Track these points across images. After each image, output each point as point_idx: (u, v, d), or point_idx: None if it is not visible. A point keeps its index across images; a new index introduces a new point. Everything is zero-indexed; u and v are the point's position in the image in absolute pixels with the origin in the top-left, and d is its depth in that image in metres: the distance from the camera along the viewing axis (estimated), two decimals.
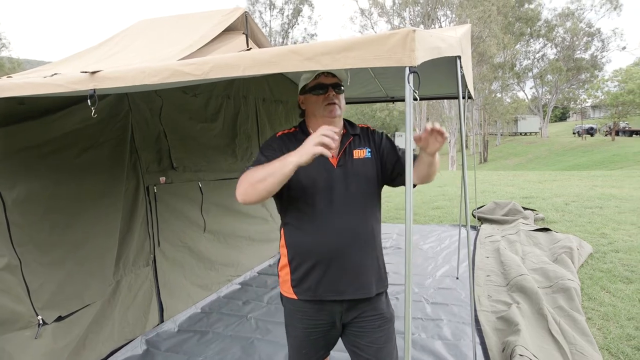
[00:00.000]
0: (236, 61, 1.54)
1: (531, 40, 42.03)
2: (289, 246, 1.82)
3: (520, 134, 50.05)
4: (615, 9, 40.25)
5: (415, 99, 1.42)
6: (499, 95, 39.63)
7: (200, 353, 3.30)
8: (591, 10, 55.02)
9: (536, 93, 46.88)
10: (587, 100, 46.87)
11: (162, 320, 3.72)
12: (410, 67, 1.36)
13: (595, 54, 42.46)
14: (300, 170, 1.58)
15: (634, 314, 3.68)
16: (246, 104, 5.11)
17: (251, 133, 5.24)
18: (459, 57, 2.46)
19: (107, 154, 3.28)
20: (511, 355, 2.78)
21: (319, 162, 1.69)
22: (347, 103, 7.97)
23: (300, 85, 1.86)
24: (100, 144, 3.22)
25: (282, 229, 1.87)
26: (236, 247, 4.82)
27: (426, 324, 3.61)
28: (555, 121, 62.29)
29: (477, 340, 3.22)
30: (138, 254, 3.55)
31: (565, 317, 3.41)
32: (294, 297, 1.82)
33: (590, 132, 41.59)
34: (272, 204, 5.61)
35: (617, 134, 36.47)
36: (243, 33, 3.84)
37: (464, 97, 4.38)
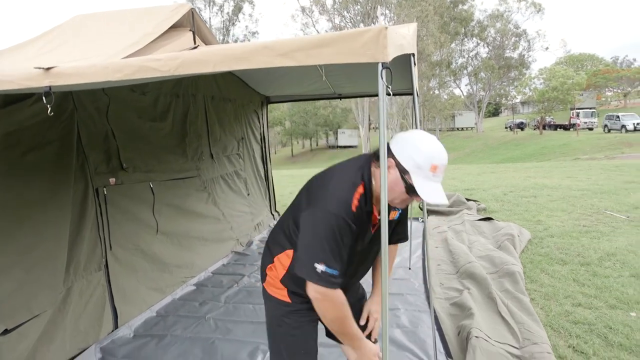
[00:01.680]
0: (206, 57, 1.52)
1: (465, 40, 44.11)
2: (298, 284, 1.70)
3: (458, 129, 52.33)
4: (538, 11, 43.12)
5: (388, 94, 1.47)
6: (437, 92, 41.21)
7: (160, 357, 3.21)
8: (518, 12, 58.48)
9: (471, 90, 49.17)
10: (516, 96, 49.88)
11: (116, 327, 3.57)
12: (383, 63, 1.41)
13: (522, 53, 45.30)
14: (352, 243, 1.60)
15: (569, 292, 3.99)
16: (195, 103, 5.01)
17: (201, 132, 5.15)
18: (413, 54, 2.56)
19: (53, 155, 3.11)
20: (467, 338, 2.94)
21: (366, 231, 1.66)
22: (294, 100, 8.07)
23: (412, 169, 1.52)
24: (45, 144, 3.06)
25: (292, 249, 1.72)
26: (190, 247, 4.72)
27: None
28: (489, 116, 65.70)
29: (435, 326, 3.37)
30: (89, 258, 3.39)
31: (512, 299, 3.63)
32: (288, 301, 1.78)
33: (521, 126, 44.30)
34: (223, 203, 5.57)
35: (544, 127, 39.02)
36: (190, 30, 3.76)
37: (411, 94, 4.53)
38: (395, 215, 1.82)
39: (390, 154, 1.54)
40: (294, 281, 1.71)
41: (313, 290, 1.53)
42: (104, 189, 3.59)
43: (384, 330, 1.58)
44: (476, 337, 2.86)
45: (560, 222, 6.51)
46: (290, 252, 1.71)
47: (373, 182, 1.60)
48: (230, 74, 5.79)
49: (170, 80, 4.44)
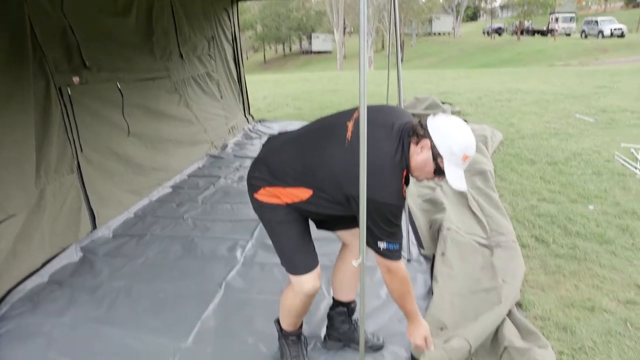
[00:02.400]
0: None
1: None
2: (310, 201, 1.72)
3: (435, 34, 50.83)
4: None
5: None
6: None
7: (141, 254, 3.28)
8: None
9: None
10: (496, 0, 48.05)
11: (94, 228, 3.59)
12: None
13: None
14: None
15: (536, 188, 4.18)
16: None
17: (168, 30, 4.84)
18: None
19: (4, 51, 2.86)
20: (438, 230, 3.09)
21: None
22: None
23: (446, 155, 1.56)
24: None
25: (312, 193, 1.70)
26: (163, 150, 4.64)
27: None
28: (467, 21, 63.71)
29: (408, 222, 3.51)
30: (59, 160, 3.30)
31: (482, 196, 3.78)
32: (284, 203, 1.76)
33: (499, 31, 43.32)
34: (196, 105, 5.41)
35: (522, 33, 38.32)
36: None
37: None
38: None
39: (427, 134, 1.58)
40: (306, 210, 1.76)
41: (380, 263, 1.69)
42: (68, 88, 3.39)
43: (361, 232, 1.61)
44: (447, 229, 3.00)
45: (531, 125, 6.65)
46: (309, 191, 1.69)
47: (410, 160, 1.63)
48: None
49: None
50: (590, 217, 3.54)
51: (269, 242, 1.89)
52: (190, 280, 2.88)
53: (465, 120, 1.69)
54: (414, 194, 4.03)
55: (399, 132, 1.63)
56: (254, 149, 5.99)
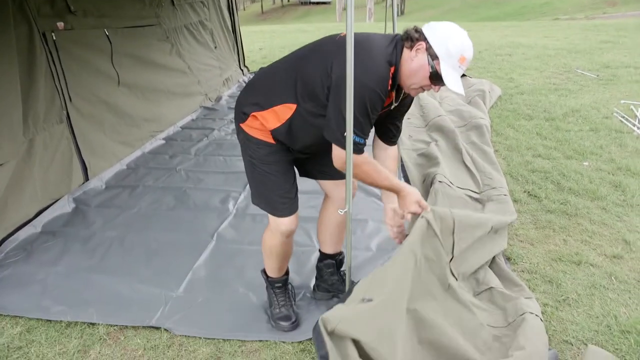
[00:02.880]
0: None
1: None
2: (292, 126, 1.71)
3: None
4: None
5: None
6: None
7: (134, 205, 3.28)
8: None
9: None
10: None
11: (87, 179, 3.58)
12: None
13: None
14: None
15: (532, 144, 4.15)
16: None
17: None
18: None
19: None
20: (431, 183, 3.08)
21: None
22: None
23: (443, 56, 1.51)
24: None
25: (295, 105, 1.66)
26: (156, 101, 4.55)
27: None
28: None
29: (401, 174, 3.50)
30: (48, 110, 3.23)
31: (477, 150, 3.76)
32: (272, 142, 1.76)
33: None
34: (188, 55, 5.26)
35: None
36: None
37: None
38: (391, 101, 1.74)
39: (422, 37, 1.54)
40: (289, 135, 1.71)
41: (340, 157, 1.60)
42: (52, 34, 3.27)
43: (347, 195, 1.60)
44: (440, 182, 2.99)
45: (531, 80, 6.53)
46: (293, 106, 1.65)
47: (402, 65, 1.57)
48: None
49: None
50: (584, 174, 3.54)
51: None
52: (183, 231, 2.90)
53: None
54: (409, 147, 4.00)
55: (394, 37, 1.61)
56: None
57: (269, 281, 2.09)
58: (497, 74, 7.00)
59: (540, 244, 2.68)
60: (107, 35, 3.82)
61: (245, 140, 1.80)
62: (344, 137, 1.52)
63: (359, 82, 1.47)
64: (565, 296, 2.22)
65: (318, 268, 2.24)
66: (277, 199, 1.83)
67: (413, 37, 1.54)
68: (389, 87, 1.55)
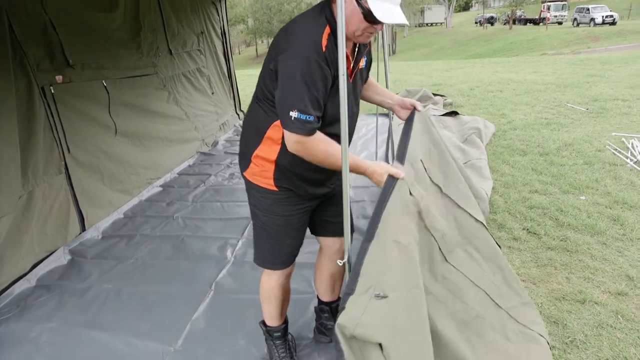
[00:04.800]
0: None
1: None
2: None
3: (427, 24, 50.69)
4: None
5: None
6: None
7: (131, 255, 3.24)
8: None
9: None
10: None
11: (83, 229, 3.55)
12: None
13: None
14: (332, 90, 1.52)
15: (528, 180, 4.17)
16: None
17: (156, 25, 4.76)
18: None
19: None
20: None
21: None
22: None
23: None
24: None
25: (277, 122, 1.60)
26: (153, 148, 4.59)
27: (352, 206, 3.81)
28: (459, 11, 63.55)
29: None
30: (47, 161, 3.25)
31: (473, 189, 3.76)
32: (275, 189, 1.72)
33: (491, 21, 43.26)
34: (186, 102, 5.34)
35: (514, 22, 38.26)
36: None
37: None
38: (363, 63, 1.73)
39: None
40: (293, 157, 1.60)
41: (290, 140, 1.49)
42: (51, 87, 3.33)
43: (345, 225, 1.57)
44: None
45: (523, 115, 6.63)
46: (278, 122, 1.57)
47: (337, 19, 1.50)
48: None
49: None
50: (581, 208, 3.54)
51: None
52: (181, 281, 2.85)
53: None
54: None
55: (322, 7, 1.56)
56: None
57: (268, 331, 2.05)
58: (489, 110, 7.12)
59: (543, 283, 2.64)
60: (104, 86, 3.89)
61: (249, 188, 1.79)
62: (290, 119, 1.43)
63: (293, 54, 1.43)
64: (572, 337, 2.17)
65: (316, 310, 2.24)
66: (269, 254, 1.82)
67: None
68: (326, 48, 1.46)
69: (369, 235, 1.40)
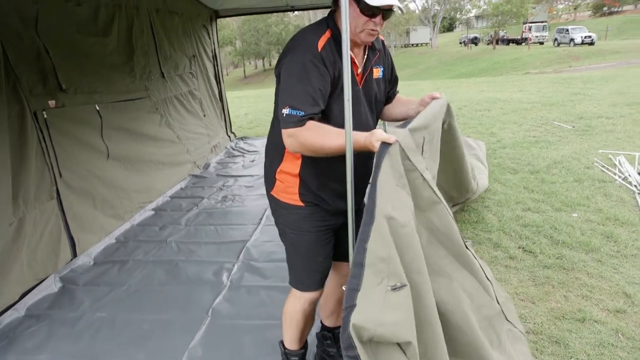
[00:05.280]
0: None
1: None
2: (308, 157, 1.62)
3: (412, 45, 51.62)
4: None
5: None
6: None
7: (124, 282, 3.18)
8: None
9: (426, 4, 47.97)
10: (471, 10, 49.23)
11: (75, 255, 3.48)
12: None
13: None
14: (336, 94, 1.53)
15: (520, 198, 4.21)
16: (139, 16, 4.59)
17: (148, 49, 4.77)
18: None
19: None
20: None
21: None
22: (244, 14, 7.53)
23: None
24: None
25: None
26: (145, 172, 4.55)
27: None
28: (444, 32, 64.90)
29: None
30: (39, 187, 3.20)
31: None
32: (301, 204, 1.72)
33: (475, 41, 44.20)
34: (178, 125, 5.33)
35: (497, 42, 39.15)
36: None
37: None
38: (379, 73, 1.74)
39: None
40: (315, 164, 1.63)
41: (284, 137, 1.50)
42: (44, 112, 3.30)
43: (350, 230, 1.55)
44: None
45: (512, 134, 6.73)
46: None
47: (339, 22, 1.58)
48: None
49: None
50: (575, 226, 3.57)
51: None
52: (176, 308, 2.80)
53: None
54: None
55: (324, 18, 1.63)
56: (237, 167, 5.93)
57: (286, 354, 2.02)
58: (478, 129, 7.22)
59: (542, 302, 2.64)
60: (97, 110, 3.87)
61: (276, 207, 1.79)
62: (282, 116, 1.48)
63: (290, 59, 1.51)
64: (575, 357, 2.16)
65: (317, 336, 2.20)
66: (304, 272, 1.81)
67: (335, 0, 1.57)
68: (322, 48, 1.50)
69: (369, 217, 1.25)
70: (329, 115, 1.56)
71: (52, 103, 3.41)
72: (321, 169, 1.62)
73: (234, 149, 6.83)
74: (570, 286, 2.78)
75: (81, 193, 3.66)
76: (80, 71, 3.72)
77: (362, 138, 1.45)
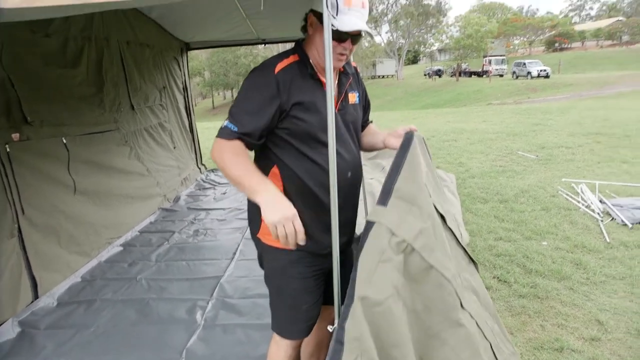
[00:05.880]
0: None
1: None
2: (292, 192, 1.58)
3: (379, 76, 53.05)
4: None
5: (333, 27, 1.37)
6: None
7: (91, 323, 3.01)
8: None
9: (391, 37, 49.70)
10: (434, 44, 51.28)
11: (36, 297, 3.29)
12: None
13: (440, 1, 46.16)
14: (307, 118, 1.52)
15: (492, 227, 4.29)
16: (109, 48, 4.53)
17: (118, 80, 4.70)
18: None
19: None
20: None
21: (323, 105, 1.51)
22: (215, 47, 7.57)
23: (324, 7, 1.46)
24: None
25: (275, 165, 1.60)
26: (113, 206, 4.40)
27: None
28: (409, 64, 67.15)
29: None
30: None
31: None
32: (287, 248, 1.62)
33: (439, 73, 45.86)
34: (148, 157, 5.23)
35: (460, 74, 40.75)
36: None
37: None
38: (355, 98, 1.73)
39: (310, 10, 1.55)
40: (298, 195, 1.58)
41: (214, 143, 1.50)
42: (7, 145, 3.17)
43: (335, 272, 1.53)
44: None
45: (479, 164, 6.92)
46: (275, 169, 1.59)
47: (308, 52, 1.58)
48: (145, 18, 5.28)
49: (79, 21, 3.95)
50: (545, 254, 3.65)
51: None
52: (148, 350, 2.66)
53: None
54: None
55: (292, 47, 1.64)
56: (208, 200, 5.83)
57: None
58: (447, 159, 7.39)
59: (520, 332, 2.66)
60: (64, 144, 3.75)
61: (262, 251, 1.72)
62: (222, 127, 1.49)
63: (245, 80, 1.53)
64: None
65: None
66: (288, 320, 1.71)
67: (304, 19, 1.58)
68: (280, 70, 1.50)
69: (349, 298, 1.31)
70: (310, 131, 1.54)
71: (15, 136, 3.28)
72: (309, 204, 1.57)
73: (204, 181, 6.73)
74: (545, 315, 2.82)
75: (45, 230, 3.49)
76: (48, 103, 3.61)
77: (260, 198, 1.40)
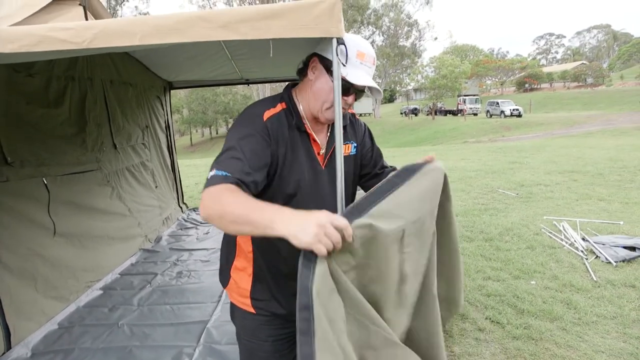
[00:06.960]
0: (132, 27, 1.29)
1: (362, 28, 45.49)
2: (259, 250, 1.51)
3: (357, 115, 53.95)
4: (427, 3, 45.91)
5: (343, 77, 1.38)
6: None
7: None
8: (409, 2, 61.69)
9: None
10: (410, 83, 52.85)
11: (9, 347, 3.09)
12: (338, 39, 1.30)
13: (414, 42, 48.04)
14: (284, 173, 1.39)
15: (480, 267, 4.29)
16: (92, 87, 4.49)
17: (101, 120, 4.64)
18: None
19: None
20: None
21: (306, 160, 1.44)
22: (199, 86, 7.56)
23: (326, 54, 1.41)
24: None
25: None
26: (93, 248, 4.24)
27: None
28: (385, 102, 68.85)
29: None
30: None
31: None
32: (252, 311, 1.55)
33: (415, 112, 47.13)
34: (129, 197, 5.11)
35: (435, 113, 41.91)
36: (80, 4, 3.30)
37: None
38: (349, 149, 1.61)
39: (312, 54, 1.44)
40: (265, 251, 1.48)
41: (202, 198, 1.22)
42: None
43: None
44: None
45: (461, 202, 6.99)
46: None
47: (297, 102, 1.48)
48: (128, 56, 5.28)
49: (63, 61, 3.91)
50: (535, 294, 3.65)
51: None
52: None
53: None
54: None
55: (280, 94, 1.52)
56: (191, 240, 5.69)
57: None
58: None
59: None
60: (45, 184, 3.63)
61: (232, 309, 1.64)
62: (208, 178, 1.23)
63: (230, 130, 1.40)
64: None
65: None
66: None
67: (301, 68, 1.48)
68: (268, 119, 1.39)
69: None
70: (285, 189, 1.43)
71: None
72: (277, 269, 1.49)
73: (186, 221, 6.59)
74: (542, 357, 2.78)
75: (21, 275, 3.32)
76: (29, 143, 3.52)
77: (274, 223, 1.08)
